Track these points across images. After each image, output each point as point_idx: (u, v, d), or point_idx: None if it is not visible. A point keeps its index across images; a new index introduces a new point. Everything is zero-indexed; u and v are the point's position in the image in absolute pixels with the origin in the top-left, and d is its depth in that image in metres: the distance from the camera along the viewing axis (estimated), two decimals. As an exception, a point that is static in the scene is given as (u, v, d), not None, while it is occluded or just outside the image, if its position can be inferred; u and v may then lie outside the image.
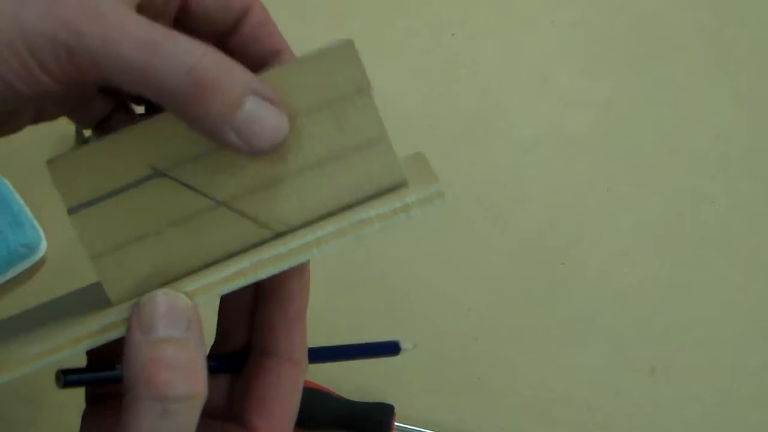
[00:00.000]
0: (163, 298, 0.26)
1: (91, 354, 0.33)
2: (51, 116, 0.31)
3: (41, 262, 0.56)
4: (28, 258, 0.55)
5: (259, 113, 0.26)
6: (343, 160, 0.28)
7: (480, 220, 0.57)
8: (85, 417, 0.32)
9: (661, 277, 0.54)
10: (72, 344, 0.27)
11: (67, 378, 0.30)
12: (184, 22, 0.30)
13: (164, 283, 0.29)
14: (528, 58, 0.65)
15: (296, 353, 0.32)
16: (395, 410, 0.49)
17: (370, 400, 0.50)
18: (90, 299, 0.32)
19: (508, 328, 0.53)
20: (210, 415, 0.31)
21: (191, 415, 0.26)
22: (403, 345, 0.36)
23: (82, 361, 0.32)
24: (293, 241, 0.27)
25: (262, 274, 0.27)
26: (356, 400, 0.50)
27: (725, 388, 0.49)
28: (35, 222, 0.56)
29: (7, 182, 0.56)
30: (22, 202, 0.56)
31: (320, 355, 0.34)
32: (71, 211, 0.28)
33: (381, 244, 0.56)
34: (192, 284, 0.27)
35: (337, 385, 0.50)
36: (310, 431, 0.48)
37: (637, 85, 0.63)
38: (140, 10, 0.27)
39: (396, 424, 0.48)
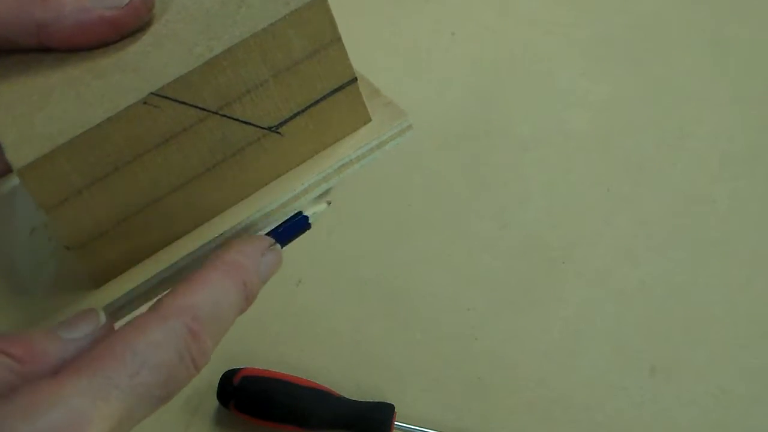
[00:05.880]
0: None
1: None
2: None
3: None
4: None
5: None
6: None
7: (480, 220, 0.57)
8: None
9: (661, 277, 0.54)
10: None
11: None
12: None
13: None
14: (528, 57, 0.65)
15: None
16: (395, 409, 0.49)
17: (370, 400, 0.50)
18: None
19: (508, 328, 0.52)
20: None
21: None
22: (306, 212, 0.33)
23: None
24: (285, 193, 0.30)
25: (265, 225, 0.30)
26: (356, 399, 0.50)
27: (725, 388, 0.49)
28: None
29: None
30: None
31: None
32: None
33: (381, 243, 0.56)
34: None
35: (337, 385, 0.50)
36: (310, 431, 0.48)
37: (637, 85, 0.63)
38: None
39: (396, 423, 0.48)
